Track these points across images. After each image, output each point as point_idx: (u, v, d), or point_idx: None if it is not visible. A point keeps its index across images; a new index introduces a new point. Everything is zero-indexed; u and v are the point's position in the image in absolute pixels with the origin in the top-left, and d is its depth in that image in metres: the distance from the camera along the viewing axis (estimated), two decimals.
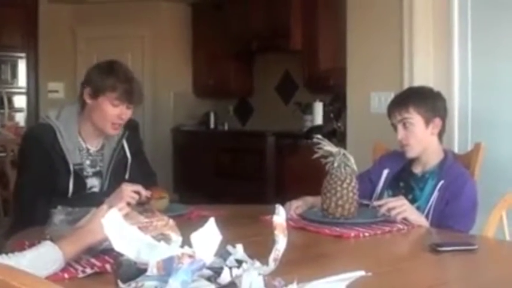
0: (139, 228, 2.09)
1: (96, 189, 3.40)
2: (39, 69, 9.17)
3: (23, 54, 9.08)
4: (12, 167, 4.05)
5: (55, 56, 9.18)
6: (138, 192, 3.11)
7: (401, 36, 4.75)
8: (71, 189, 3.28)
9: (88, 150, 3.40)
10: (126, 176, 3.48)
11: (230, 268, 1.92)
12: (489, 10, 4.39)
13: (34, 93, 9.17)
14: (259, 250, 2.12)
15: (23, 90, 9.10)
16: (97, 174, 3.42)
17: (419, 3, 4.67)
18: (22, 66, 9.06)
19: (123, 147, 3.50)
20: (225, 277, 1.88)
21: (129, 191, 3.10)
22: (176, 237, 2.20)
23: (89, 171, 3.40)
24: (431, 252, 2.45)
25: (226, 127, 9.52)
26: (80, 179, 3.31)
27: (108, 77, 3.27)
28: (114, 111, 3.30)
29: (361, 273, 1.76)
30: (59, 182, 3.26)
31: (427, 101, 3.36)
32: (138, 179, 3.35)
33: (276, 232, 2.08)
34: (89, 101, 3.31)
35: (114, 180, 3.41)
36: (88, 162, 3.40)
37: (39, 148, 3.27)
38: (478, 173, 3.44)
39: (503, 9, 4.31)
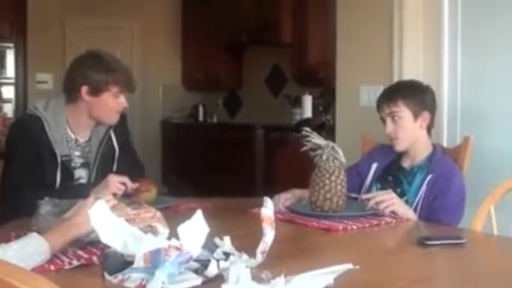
0: (127, 220, 2.09)
1: (83, 181, 3.39)
2: (27, 60, 9.16)
3: (11, 45, 9.06)
4: None
5: (44, 46, 9.15)
6: (124, 184, 3.10)
7: (391, 30, 4.75)
8: (58, 180, 3.27)
9: (77, 141, 3.39)
10: (114, 168, 3.48)
11: (217, 261, 1.92)
12: (479, 4, 4.39)
13: (22, 84, 9.16)
14: (246, 243, 2.11)
15: (11, 81, 9.09)
16: (85, 165, 3.42)
17: None
18: (10, 57, 9.04)
19: (110, 138, 3.50)
20: (212, 270, 1.88)
21: (116, 181, 3.10)
22: (163, 230, 2.19)
23: (77, 162, 3.39)
24: (419, 245, 2.45)
25: (215, 120, 9.52)
26: (67, 170, 3.30)
27: (106, 72, 3.28)
28: (117, 102, 3.34)
29: (349, 266, 1.76)
30: (46, 172, 3.25)
31: (415, 94, 3.36)
32: (125, 171, 3.35)
33: (264, 225, 2.08)
34: (88, 98, 3.29)
35: (101, 171, 3.41)
36: (77, 153, 3.40)
37: (26, 138, 3.26)
38: (466, 167, 3.44)
39: (493, 5, 4.31)
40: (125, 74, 3.33)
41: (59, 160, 3.27)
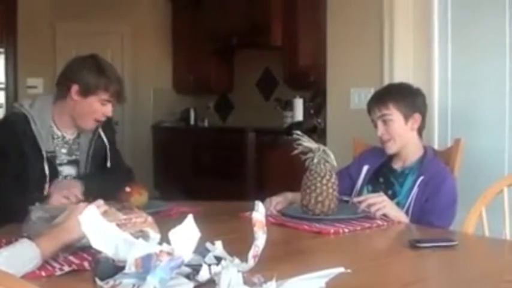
0: (118, 225, 2.09)
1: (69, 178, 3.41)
2: (17, 65, 9.13)
3: (1, 50, 9.04)
4: None
5: (34, 51, 9.13)
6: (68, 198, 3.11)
7: (382, 33, 4.75)
8: (47, 176, 3.27)
9: (64, 138, 3.40)
10: (108, 164, 3.52)
11: (209, 265, 1.91)
12: (469, 7, 4.40)
13: (13, 89, 9.13)
14: (238, 247, 2.11)
15: (2, 86, 9.06)
16: (73, 162, 3.43)
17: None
18: (0, 62, 9.03)
19: (99, 135, 3.51)
20: (203, 274, 1.88)
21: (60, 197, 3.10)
22: (154, 235, 2.19)
23: (64, 158, 3.39)
24: (411, 248, 2.45)
25: (206, 123, 9.50)
26: (52, 167, 3.30)
27: (100, 77, 3.28)
28: (101, 110, 3.33)
29: (341, 269, 1.76)
30: (32, 169, 3.25)
31: (406, 97, 3.37)
32: (117, 168, 3.42)
33: (256, 229, 2.08)
34: (76, 98, 3.29)
35: (93, 168, 3.45)
36: (64, 150, 3.41)
37: (11, 136, 3.25)
38: (457, 169, 3.45)
39: (483, 7, 4.32)
40: (117, 84, 3.33)
41: (44, 156, 3.27)
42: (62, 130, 3.39)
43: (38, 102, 3.37)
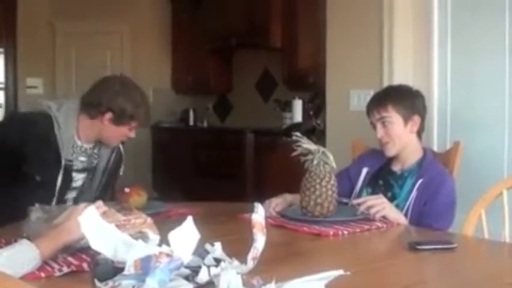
0: (117, 226, 2.08)
1: (78, 183, 3.43)
2: (17, 65, 9.11)
3: (1, 49, 9.02)
4: None
5: (33, 51, 9.12)
6: None
7: (381, 35, 4.76)
8: (59, 183, 3.28)
9: (82, 147, 3.42)
10: (121, 172, 3.60)
11: (208, 267, 1.91)
12: (469, 9, 4.40)
13: (12, 89, 9.12)
14: (237, 248, 2.11)
15: (1, 86, 9.05)
16: (85, 170, 3.45)
17: (399, 2, 4.68)
18: (0, 62, 9.01)
19: (119, 148, 3.57)
20: (203, 276, 1.87)
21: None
22: (154, 236, 2.19)
23: (80, 166, 3.42)
24: (410, 250, 2.45)
25: (205, 124, 9.49)
26: (67, 175, 3.32)
27: (136, 109, 3.33)
28: (128, 134, 3.42)
29: (340, 272, 1.76)
30: (46, 174, 3.25)
31: (405, 99, 3.37)
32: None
33: (255, 231, 2.08)
34: (106, 123, 3.33)
35: (108, 176, 3.54)
36: (82, 158, 3.43)
37: (33, 136, 3.24)
38: (457, 172, 3.45)
39: (483, 8, 4.32)
40: (148, 110, 3.40)
41: (63, 163, 3.27)
42: (82, 141, 3.41)
43: (64, 108, 3.36)
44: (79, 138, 3.38)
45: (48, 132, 3.26)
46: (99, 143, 3.48)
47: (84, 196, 3.45)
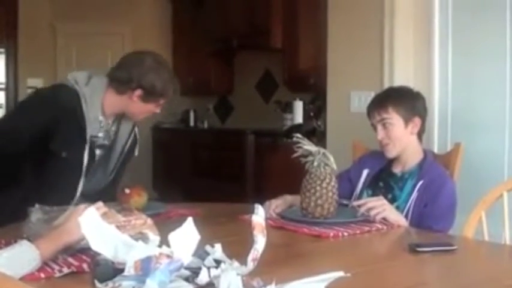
0: (117, 227, 2.08)
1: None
2: (18, 65, 9.12)
3: (2, 50, 9.04)
4: None
5: (34, 51, 9.13)
6: None
7: (382, 36, 4.75)
8: (85, 160, 3.27)
9: (102, 122, 3.38)
10: (136, 153, 3.60)
11: (208, 268, 1.91)
12: (470, 10, 4.40)
13: (13, 89, 9.13)
14: (237, 250, 2.11)
15: (2, 86, 9.06)
16: (101, 147, 3.44)
17: (400, 3, 4.67)
18: (1, 62, 9.03)
19: (135, 131, 3.57)
20: (203, 277, 1.87)
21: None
22: (154, 237, 2.19)
23: (100, 142, 3.40)
24: (410, 252, 2.45)
25: (206, 125, 9.50)
26: (91, 152, 3.31)
27: (166, 86, 3.31)
28: (154, 110, 3.41)
29: (340, 274, 1.76)
30: (72, 151, 3.23)
31: (406, 100, 3.37)
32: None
33: (255, 232, 2.08)
34: (135, 100, 3.30)
35: (125, 160, 3.54)
36: (101, 134, 3.40)
37: (59, 112, 3.21)
38: (457, 173, 3.45)
39: (484, 10, 4.32)
40: (176, 88, 3.40)
41: (88, 140, 3.26)
42: (105, 116, 3.37)
43: (93, 82, 3.32)
44: (103, 114, 3.34)
45: (76, 108, 3.22)
46: (118, 120, 3.45)
47: (97, 175, 3.46)
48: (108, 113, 3.37)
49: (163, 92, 3.31)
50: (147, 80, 3.25)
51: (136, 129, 3.58)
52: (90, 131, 3.26)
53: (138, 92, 3.27)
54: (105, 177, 3.50)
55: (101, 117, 3.35)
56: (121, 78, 3.29)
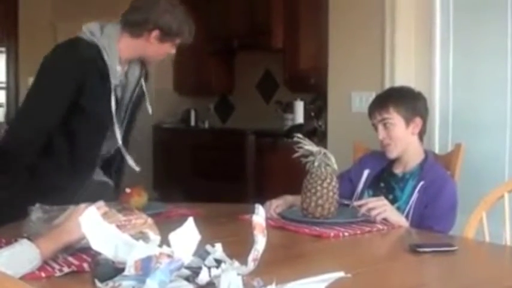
0: (118, 226, 2.08)
1: None
2: (19, 64, 9.12)
3: (2, 49, 9.05)
4: None
5: (35, 51, 9.07)
6: None
7: (383, 36, 4.75)
8: (113, 110, 3.27)
9: (118, 71, 3.36)
10: (149, 110, 3.57)
11: (209, 268, 1.91)
12: (471, 11, 4.39)
13: (14, 88, 9.13)
14: (238, 250, 2.11)
15: (3, 85, 9.07)
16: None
17: (401, 3, 4.67)
18: (2, 61, 9.04)
19: (140, 80, 3.53)
20: (203, 277, 1.87)
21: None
22: (154, 236, 2.19)
23: (116, 93, 3.38)
24: (411, 252, 2.45)
25: (206, 125, 9.49)
26: (116, 101, 3.31)
27: (182, 25, 3.31)
28: (170, 50, 3.39)
29: (341, 274, 1.75)
30: (99, 104, 3.24)
31: (407, 101, 3.37)
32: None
33: (255, 232, 2.08)
34: (152, 41, 3.29)
35: (133, 112, 3.52)
36: (118, 83, 3.38)
37: (82, 66, 3.21)
38: (458, 174, 3.45)
39: (485, 10, 4.31)
40: (191, 28, 3.37)
41: (113, 89, 3.26)
42: (121, 64, 3.35)
43: (106, 32, 3.30)
44: (119, 62, 3.33)
45: (98, 60, 3.21)
46: (127, 68, 3.43)
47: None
48: (123, 59, 3.35)
49: (179, 31, 3.30)
50: (163, 21, 3.25)
51: (143, 81, 3.53)
52: (113, 81, 3.26)
53: (155, 32, 3.26)
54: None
55: (118, 66, 3.34)
56: (137, 21, 3.28)
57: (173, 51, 3.40)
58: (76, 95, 3.19)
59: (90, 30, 3.29)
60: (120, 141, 3.36)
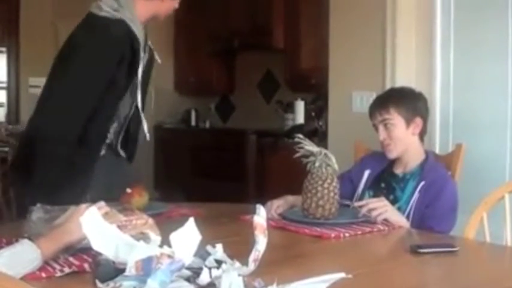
0: (119, 227, 2.08)
1: None
2: (20, 64, 9.12)
3: (3, 49, 9.04)
4: None
5: (36, 50, 9.11)
6: None
7: (384, 36, 4.75)
8: (140, 76, 3.34)
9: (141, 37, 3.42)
10: (159, 60, 3.61)
11: (209, 269, 1.91)
12: (472, 11, 4.39)
13: (15, 88, 9.12)
14: (239, 250, 2.11)
15: (4, 85, 9.06)
16: None
17: (402, 3, 4.67)
18: (2, 61, 9.03)
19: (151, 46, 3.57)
20: (204, 278, 1.87)
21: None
22: (155, 237, 2.19)
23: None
24: (411, 253, 2.45)
25: (207, 125, 9.49)
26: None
27: None
28: (175, 4, 3.50)
29: (342, 275, 1.75)
30: (129, 75, 3.31)
31: (407, 101, 3.37)
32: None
33: (256, 232, 2.08)
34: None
35: (145, 78, 3.50)
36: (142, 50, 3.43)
37: (110, 44, 3.28)
38: (459, 174, 3.45)
39: (486, 11, 4.31)
40: None
41: (141, 58, 3.32)
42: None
43: (123, 2, 3.33)
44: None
45: (129, 35, 3.27)
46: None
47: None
48: (140, 21, 3.39)
49: None
50: None
51: (149, 42, 3.56)
52: (141, 50, 3.32)
53: None
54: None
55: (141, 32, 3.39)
56: None
57: (177, 5, 3.50)
58: (114, 73, 3.25)
59: (110, 6, 3.32)
60: (140, 104, 3.44)
